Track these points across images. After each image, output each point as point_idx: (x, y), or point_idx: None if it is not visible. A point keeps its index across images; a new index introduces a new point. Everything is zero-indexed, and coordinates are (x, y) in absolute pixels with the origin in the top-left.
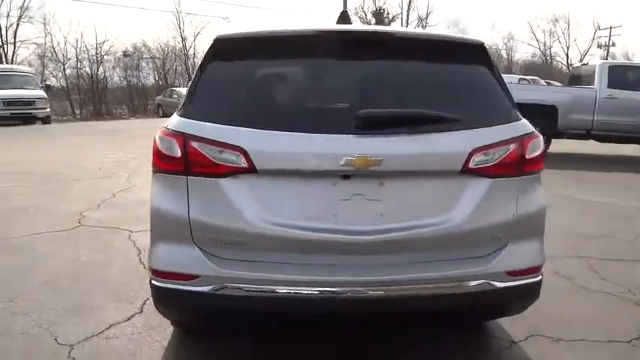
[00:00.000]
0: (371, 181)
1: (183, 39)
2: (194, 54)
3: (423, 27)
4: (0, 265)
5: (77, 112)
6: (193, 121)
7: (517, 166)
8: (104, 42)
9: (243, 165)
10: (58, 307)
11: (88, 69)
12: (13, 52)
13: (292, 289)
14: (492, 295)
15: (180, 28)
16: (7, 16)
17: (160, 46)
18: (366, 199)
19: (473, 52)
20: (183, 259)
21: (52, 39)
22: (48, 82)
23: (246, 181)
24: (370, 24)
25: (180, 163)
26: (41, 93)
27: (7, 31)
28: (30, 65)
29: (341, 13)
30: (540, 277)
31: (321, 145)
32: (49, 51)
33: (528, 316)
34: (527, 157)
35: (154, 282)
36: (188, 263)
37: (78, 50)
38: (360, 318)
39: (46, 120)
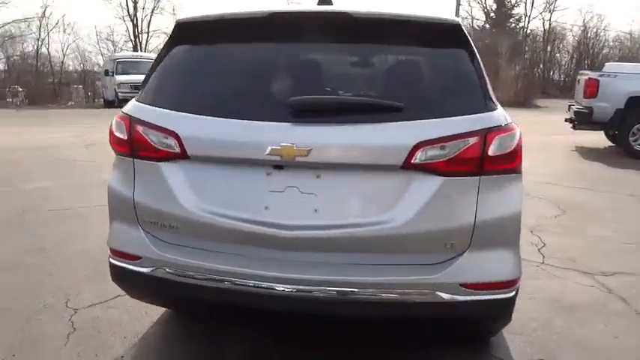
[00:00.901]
0: (306, 174)
1: None
2: None
3: (551, 12)
4: (51, 232)
5: None
6: (143, 105)
7: (477, 164)
8: None
9: (176, 150)
10: (87, 273)
11: None
12: (147, 41)
13: (222, 280)
14: (443, 309)
15: None
16: (143, 8)
17: None
18: (300, 192)
19: (444, 34)
20: (130, 239)
21: None
22: None
23: (181, 166)
24: (488, 9)
25: (127, 146)
26: None
27: (142, 21)
28: None
29: None
30: (511, 294)
31: (247, 132)
32: None
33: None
34: (489, 153)
35: (110, 259)
36: (134, 244)
37: None
38: (299, 319)
39: None
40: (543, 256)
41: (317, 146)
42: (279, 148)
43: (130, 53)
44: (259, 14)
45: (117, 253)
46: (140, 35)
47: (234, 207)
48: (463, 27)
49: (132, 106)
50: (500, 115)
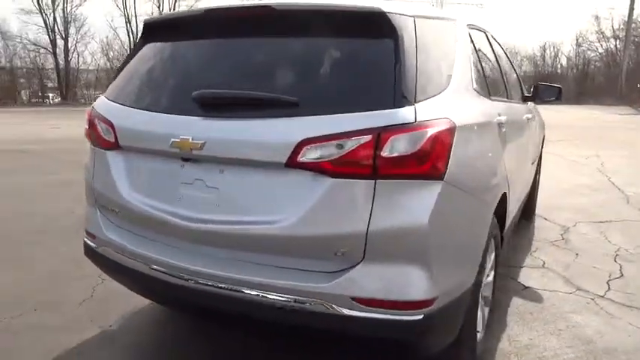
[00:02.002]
0: (211, 167)
1: None
2: None
3: None
4: None
5: None
6: (103, 98)
7: (370, 166)
8: None
9: (113, 140)
10: None
11: None
12: None
13: (141, 263)
14: (334, 322)
15: None
16: None
17: None
18: (206, 186)
19: (363, 23)
20: (92, 220)
21: None
22: None
23: (120, 154)
24: None
25: (89, 135)
26: None
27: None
28: None
29: None
30: (416, 317)
31: (157, 124)
32: None
33: None
34: (383, 155)
35: (83, 238)
36: (93, 224)
37: None
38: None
39: None
40: (607, 289)
41: (210, 140)
42: (178, 140)
43: None
44: (196, 12)
45: (86, 232)
46: None
47: (155, 196)
48: (390, 15)
49: (98, 100)
50: (410, 112)
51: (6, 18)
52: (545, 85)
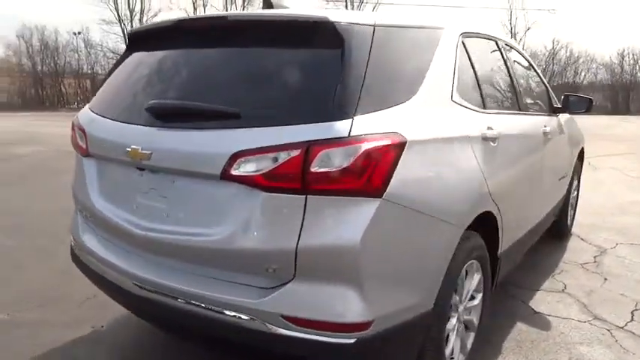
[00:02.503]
0: (165, 177)
1: (513, 35)
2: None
3: None
4: None
5: None
6: (87, 107)
7: (300, 181)
8: None
9: (85, 147)
10: None
11: None
12: None
13: (103, 268)
14: (266, 340)
15: (511, 23)
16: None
17: None
18: (159, 196)
19: (311, 34)
20: (75, 224)
21: None
22: None
23: (92, 161)
24: None
25: (72, 141)
26: None
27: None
28: None
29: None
30: (348, 340)
31: (118, 133)
32: None
33: None
34: (312, 169)
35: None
36: (74, 227)
37: None
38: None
39: None
40: (629, 320)
41: (155, 150)
42: (130, 150)
43: None
44: (163, 23)
45: (71, 235)
46: None
47: (117, 203)
48: (337, 24)
49: (83, 108)
50: (345, 125)
51: (89, 27)
52: (576, 96)
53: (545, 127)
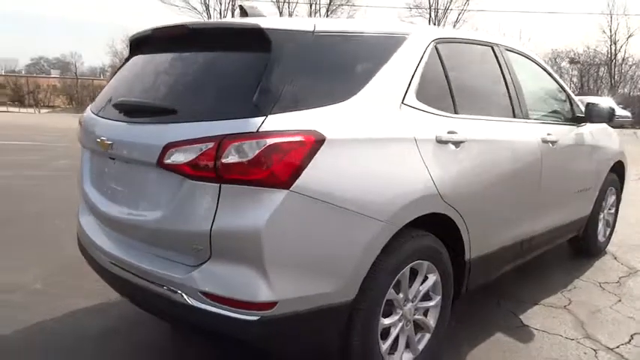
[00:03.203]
0: (124, 165)
1: (613, 42)
2: (623, 58)
3: None
4: None
5: None
6: (89, 106)
7: (214, 171)
8: None
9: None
10: None
11: None
12: None
13: (86, 247)
14: (189, 313)
15: (611, 30)
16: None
17: (587, 51)
18: (121, 181)
19: (245, 38)
20: (79, 208)
21: None
22: None
23: (86, 151)
24: None
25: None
26: None
27: None
28: None
29: (239, 7)
30: (251, 317)
31: (95, 126)
32: None
33: None
34: (223, 160)
35: None
36: (78, 213)
37: None
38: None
39: None
40: (623, 342)
41: (115, 141)
42: (99, 140)
43: None
44: (145, 32)
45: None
46: None
47: (98, 187)
48: (266, 31)
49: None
50: (255, 122)
51: None
52: (598, 106)
53: (549, 134)
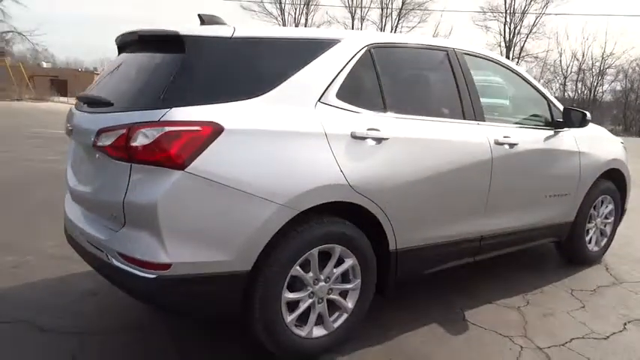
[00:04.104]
0: (81, 147)
1: None
2: None
3: None
4: None
5: None
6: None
7: (126, 152)
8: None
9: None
10: None
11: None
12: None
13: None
14: (112, 272)
15: None
16: (518, 33)
17: None
18: (81, 161)
19: (168, 43)
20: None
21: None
22: None
23: (71, 139)
24: None
25: None
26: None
27: (514, 46)
28: None
29: (198, 16)
30: (150, 275)
31: (69, 116)
32: (551, 64)
33: None
34: (131, 144)
35: None
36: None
37: (582, 64)
38: None
39: None
40: (559, 344)
41: (74, 127)
42: (67, 127)
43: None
44: (118, 37)
45: None
46: (511, 60)
47: (72, 168)
48: (183, 37)
49: None
50: (158, 113)
51: None
52: (574, 110)
53: (506, 137)
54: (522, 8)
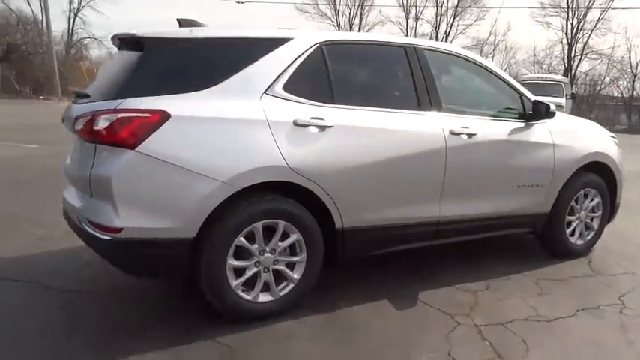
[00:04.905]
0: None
1: None
2: None
3: None
4: None
5: None
6: None
7: (91, 135)
8: None
9: None
10: None
11: None
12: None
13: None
14: (86, 237)
15: None
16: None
17: None
18: (76, 146)
19: (134, 43)
20: None
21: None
22: (573, 92)
23: None
24: None
25: None
26: (559, 100)
27: (576, 43)
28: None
29: (177, 20)
30: (106, 237)
31: (67, 110)
32: (617, 61)
33: None
34: (94, 128)
35: None
36: None
37: None
38: None
39: None
40: (485, 323)
41: (65, 117)
42: (63, 118)
43: (537, 75)
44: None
45: None
46: (574, 58)
47: (71, 154)
48: (140, 38)
49: None
50: (115, 102)
51: None
52: (540, 102)
53: (464, 127)
54: (586, 3)
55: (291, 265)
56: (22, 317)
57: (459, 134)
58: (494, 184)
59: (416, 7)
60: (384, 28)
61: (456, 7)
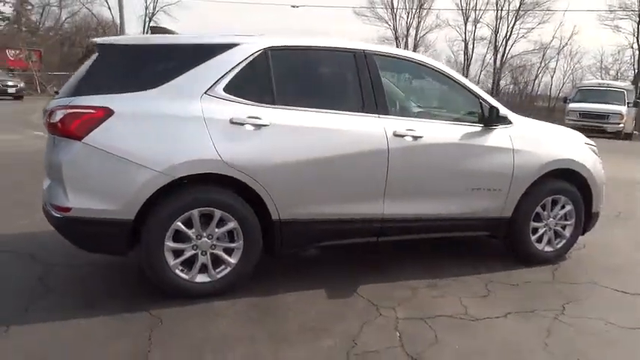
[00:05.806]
0: None
1: None
2: None
3: None
4: None
5: None
6: None
7: (51, 127)
8: None
9: None
10: None
11: None
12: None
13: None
14: (55, 221)
15: None
16: None
17: None
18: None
19: (105, 48)
20: None
21: None
22: (638, 99)
23: None
24: None
25: None
26: (619, 108)
27: None
28: None
29: (150, 28)
30: (59, 215)
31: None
32: None
33: None
34: (51, 121)
35: None
36: None
37: None
38: None
39: None
40: (410, 317)
41: (43, 111)
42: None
43: (596, 81)
44: (88, 43)
45: None
46: None
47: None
48: (97, 44)
49: None
50: (69, 100)
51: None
52: (494, 107)
53: (410, 130)
54: None
55: (229, 251)
56: (6, 282)
57: (403, 136)
58: (444, 185)
59: (475, 10)
60: (442, 32)
61: (518, 9)
